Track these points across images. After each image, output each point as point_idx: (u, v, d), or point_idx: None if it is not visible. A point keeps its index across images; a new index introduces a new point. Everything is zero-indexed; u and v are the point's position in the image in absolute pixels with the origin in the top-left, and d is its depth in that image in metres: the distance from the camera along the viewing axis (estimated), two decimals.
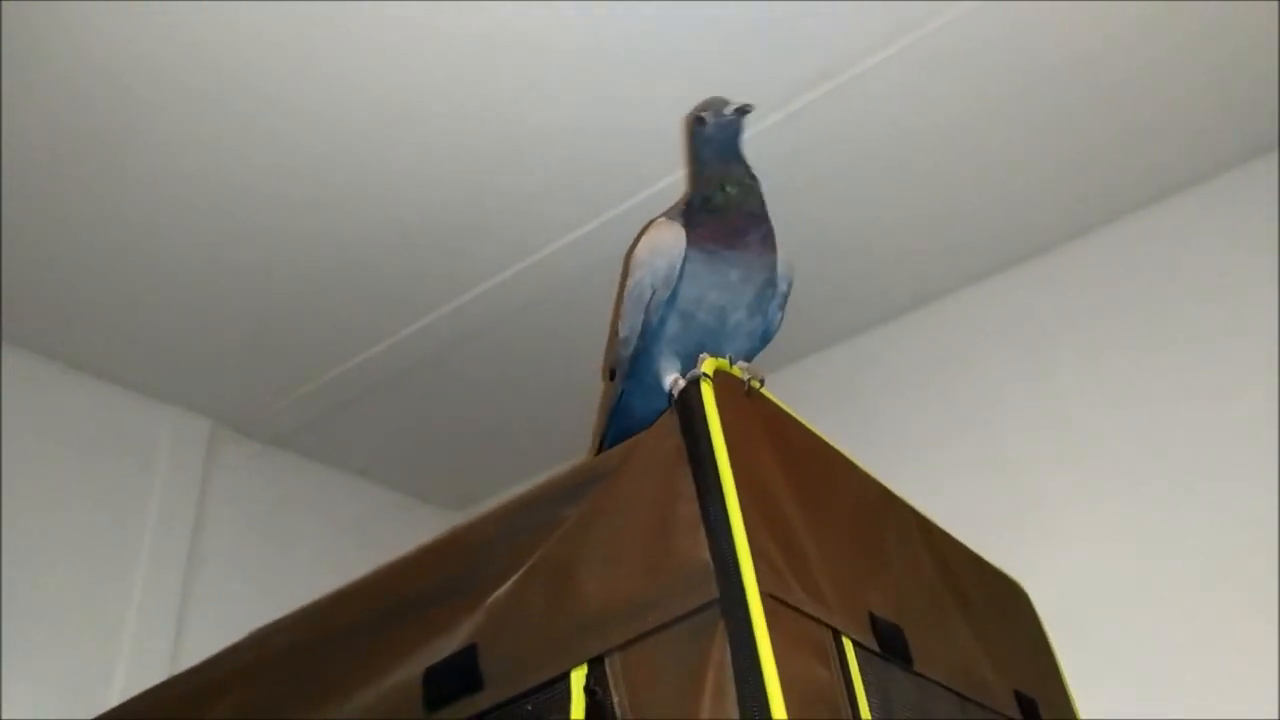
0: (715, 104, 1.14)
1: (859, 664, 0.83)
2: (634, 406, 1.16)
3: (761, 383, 0.94)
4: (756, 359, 1.17)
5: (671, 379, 1.01)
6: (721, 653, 0.73)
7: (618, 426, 1.19)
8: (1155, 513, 1.66)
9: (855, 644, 0.84)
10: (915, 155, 1.71)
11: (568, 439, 2.21)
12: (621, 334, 1.14)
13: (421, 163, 1.65)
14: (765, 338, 1.15)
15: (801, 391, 2.13)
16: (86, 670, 1.84)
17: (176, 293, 1.86)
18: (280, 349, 2.02)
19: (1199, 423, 1.67)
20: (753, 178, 1.12)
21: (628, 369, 1.14)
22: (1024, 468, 1.82)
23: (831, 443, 1.05)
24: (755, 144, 1.62)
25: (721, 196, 1.09)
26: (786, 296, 1.14)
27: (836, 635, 0.82)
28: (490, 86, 1.54)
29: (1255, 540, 1.54)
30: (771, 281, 1.10)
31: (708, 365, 0.89)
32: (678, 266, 1.06)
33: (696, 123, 1.15)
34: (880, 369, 2.09)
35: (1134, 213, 1.86)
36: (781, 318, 1.15)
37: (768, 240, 1.10)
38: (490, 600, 0.90)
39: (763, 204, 1.12)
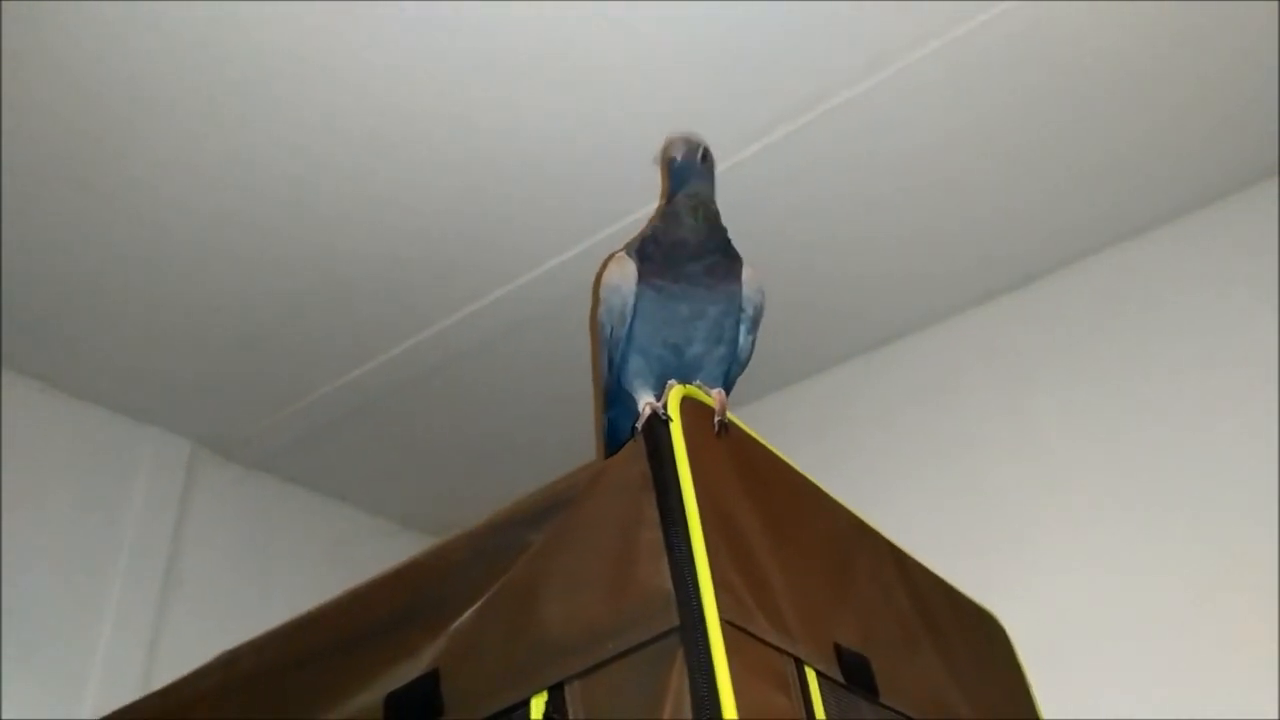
0: (680, 142, 1.15)
1: (822, 694, 0.82)
2: (623, 431, 1.17)
3: (725, 427, 0.93)
4: (736, 383, 1.18)
5: (643, 404, 1.01)
6: (680, 681, 0.72)
7: (612, 451, 1.20)
8: (1133, 544, 1.66)
9: (819, 674, 0.84)
10: (895, 186, 1.72)
11: (551, 463, 2.19)
12: (600, 366, 1.15)
13: (405, 187, 1.66)
14: (739, 360, 1.15)
15: (782, 421, 2.14)
16: (58, 690, 1.82)
17: (158, 313, 1.85)
18: (262, 372, 2.02)
19: (1178, 454, 1.68)
20: (713, 212, 1.13)
21: (609, 399, 1.16)
22: (1003, 499, 1.82)
23: (802, 472, 1.04)
24: (735, 174, 1.65)
25: (675, 231, 1.10)
26: (756, 320, 1.14)
27: (799, 665, 0.82)
28: (476, 111, 1.55)
29: (1233, 570, 1.55)
30: (729, 311, 1.10)
31: (675, 393, 0.89)
32: (630, 303, 1.07)
33: (667, 158, 1.16)
34: (861, 399, 2.10)
35: (1113, 246, 1.88)
36: (753, 341, 1.15)
37: (721, 271, 1.10)
38: (454, 626, 0.89)
39: (722, 237, 1.12)
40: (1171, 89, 1.58)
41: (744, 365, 1.17)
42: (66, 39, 1.39)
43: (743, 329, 1.12)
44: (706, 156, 1.15)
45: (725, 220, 1.17)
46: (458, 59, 1.47)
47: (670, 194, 1.14)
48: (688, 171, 1.13)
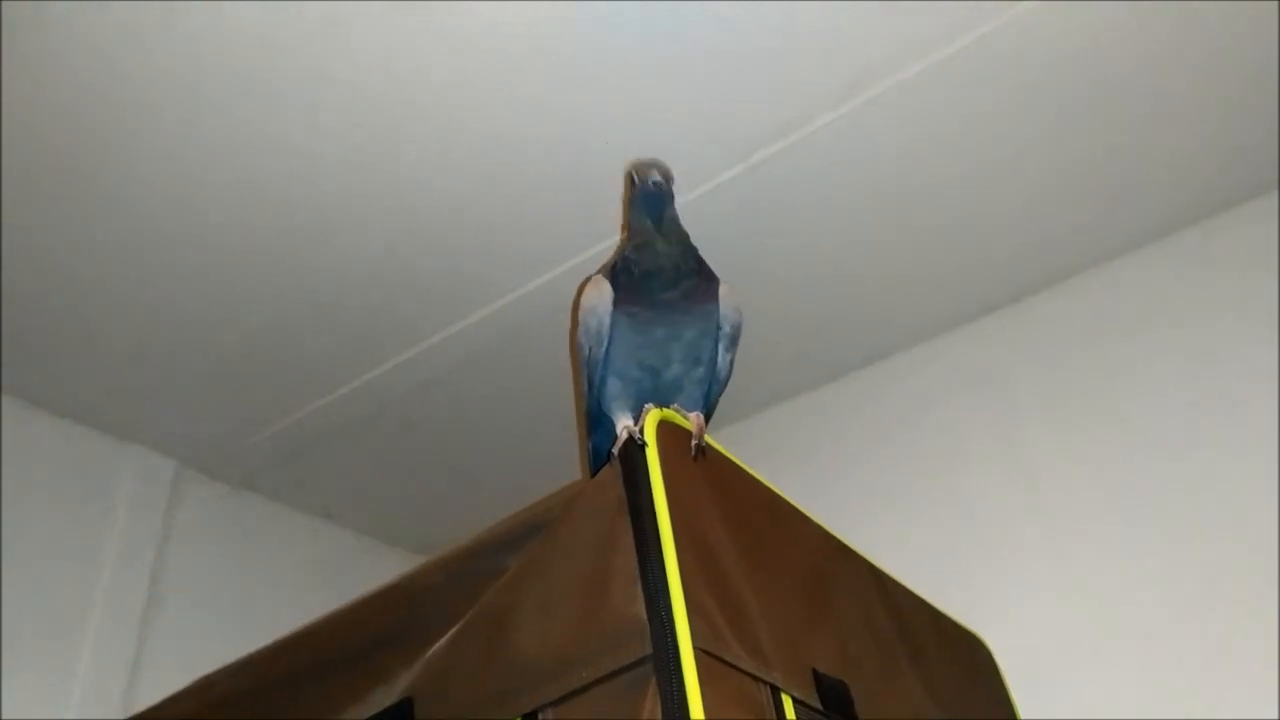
0: (647, 167, 1.16)
1: None
2: (606, 454, 1.16)
3: (702, 451, 0.93)
4: (718, 403, 1.18)
5: (621, 428, 1.00)
6: (654, 709, 0.72)
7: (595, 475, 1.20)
8: (1120, 566, 1.65)
9: (796, 701, 0.83)
10: (880, 207, 1.72)
11: (535, 483, 2.19)
12: (581, 388, 1.15)
13: (389, 206, 1.66)
14: (718, 380, 1.14)
15: (765, 444, 2.14)
16: (39, 710, 1.80)
17: (141, 331, 1.84)
18: (246, 390, 2.01)
19: (1165, 476, 1.67)
20: (682, 234, 1.13)
21: (591, 422, 1.15)
22: (988, 520, 1.81)
23: (782, 495, 1.04)
24: (719, 196, 1.66)
25: (646, 257, 1.10)
26: (734, 339, 1.14)
27: (776, 692, 0.81)
28: (456, 128, 1.54)
29: (1219, 591, 1.54)
30: (707, 332, 1.10)
31: (651, 416, 0.89)
32: (606, 324, 1.07)
33: (631, 182, 1.17)
34: (844, 420, 2.09)
35: (1098, 266, 1.88)
36: (731, 360, 1.14)
37: (697, 293, 1.10)
38: (429, 653, 0.89)
39: (695, 258, 1.12)
40: (1160, 108, 1.58)
41: (724, 384, 1.16)
42: (38, 60, 1.39)
43: (721, 348, 1.12)
44: (670, 180, 1.16)
45: (709, 242, 1.17)
46: (443, 81, 1.46)
47: (637, 219, 1.15)
48: (657, 197, 1.13)
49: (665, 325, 1.07)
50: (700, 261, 1.12)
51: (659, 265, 1.09)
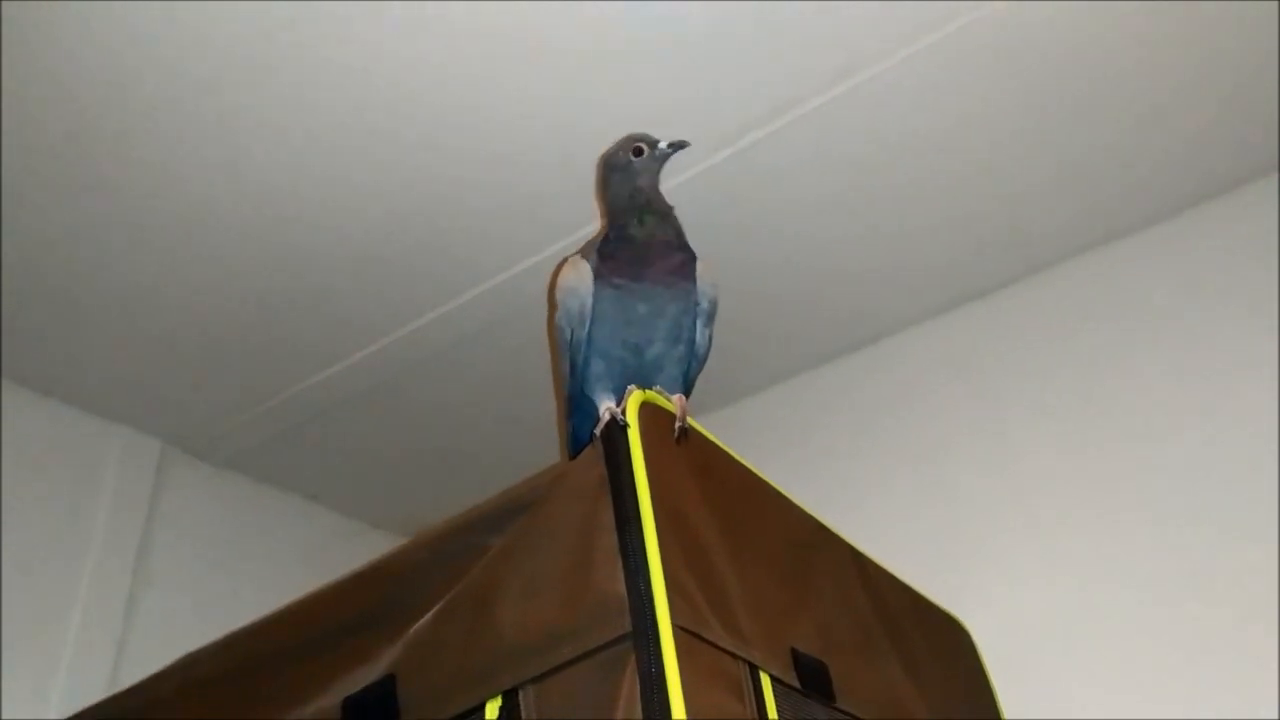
0: (625, 142, 1.18)
1: (776, 699, 0.82)
2: (587, 438, 1.17)
3: (685, 433, 0.94)
4: (697, 384, 1.18)
5: (603, 409, 1.01)
6: (631, 686, 0.72)
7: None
8: (1102, 552, 1.66)
9: (774, 679, 0.84)
10: (867, 192, 1.73)
11: (520, 465, 2.19)
12: (561, 374, 1.15)
13: (376, 186, 1.66)
14: (697, 356, 1.15)
15: (748, 428, 2.15)
16: (24, 690, 1.80)
17: (128, 312, 1.84)
18: (233, 371, 2.01)
19: (1148, 463, 1.69)
20: (668, 208, 1.15)
21: (572, 405, 1.15)
22: (972, 505, 1.83)
23: (763, 476, 1.05)
24: (705, 179, 1.66)
25: (638, 228, 1.11)
26: (711, 314, 1.14)
27: (754, 670, 0.82)
28: (445, 111, 1.54)
29: (1202, 578, 1.55)
30: (687, 310, 1.10)
31: (634, 398, 0.89)
32: (588, 304, 1.07)
33: (634, 154, 1.17)
34: (828, 406, 2.10)
35: (1081, 254, 1.89)
36: (710, 335, 1.15)
37: (682, 269, 1.11)
38: (412, 630, 0.89)
39: (680, 233, 1.14)
40: (1147, 97, 1.59)
41: (703, 361, 1.17)
42: (31, 45, 1.38)
43: (699, 324, 1.13)
44: (653, 148, 1.18)
45: (695, 226, 1.18)
46: (429, 60, 1.46)
47: (624, 194, 1.16)
48: (635, 170, 1.16)
49: (649, 301, 1.08)
50: (683, 236, 1.14)
51: (647, 237, 1.10)
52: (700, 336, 1.13)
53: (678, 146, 1.19)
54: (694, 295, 1.11)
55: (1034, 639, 1.62)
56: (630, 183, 1.15)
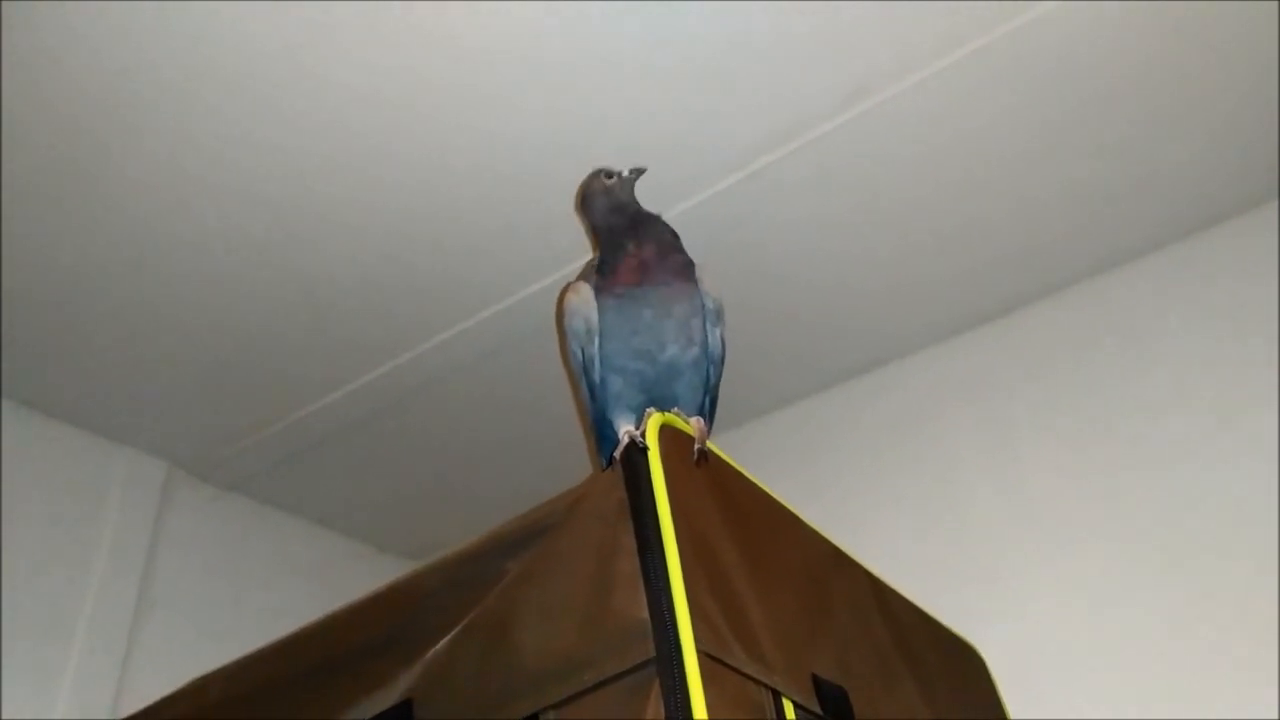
0: (609, 169, 1.26)
1: None
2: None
3: (705, 456, 0.94)
4: (719, 397, 1.19)
5: (622, 433, 1.01)
6: (656, 712, 0.72)
7: None
8: (1112, 576, 1.66)
9: (796, 705, 0.83)
10: (876, 216, 1.73)
11: (528, 490, 2.18)
12: (582, 402, 1.17)
13: (383, 210, 1.65)
14: (714, 360, 1.15)
15: (759, 450, 2.14)
16: (25, 712, 1.78)
17: (134, 334, 1.84)
18: (238, 393, 2.00)
19: (1156, 485, 1.68)
20: (656, 215, 1.20)
21: (598, 437, 1.16)
22: (982, 530, 1.82)
23: (781, 501, 1.04)
24: (715, 204, 1.66)
25: (630, 236, 1.14)
26: (719, 316, 1.15)
27: (776, 696, 0.81)
28: (452, 134, 1.54)
29: (1211, 601, 1.55)
30: (694, 310, 1.11)
31: (653, 421, 0.89)
32: (594, 319, 1.08)
33: (606, 177, 1.24)
34: (839, 429, 2.09)
35: (1091, 278, 1.89)
36: (722, 335, 1.16)
37: (682, 271, 1.13)
38: (428, 655, 0.89)
39: (675, 236, 1.16)
40: (1156, 120, 1.59)
41: (720, 365, 1.17)
42: (35, 65, 1.39)
43: (709, 325, 1.13)
44: (619, 174, 1.24)
45: (706, 249, 1.19)
46: (438, 85, 1.47)
47: (608, 215, 1.21)
48: (614, 189, 1.21)
49: (653, 304, 1.09)
50: (677, 238, 1.16)
51: (642, 244, 1.12)
52: (712, 338, 1.14)
53: (638, 172, 1.26)
54: (698, 297, 1.12)
55: (1044, 661, 1.61)
56: (612, 199, 1.20)
